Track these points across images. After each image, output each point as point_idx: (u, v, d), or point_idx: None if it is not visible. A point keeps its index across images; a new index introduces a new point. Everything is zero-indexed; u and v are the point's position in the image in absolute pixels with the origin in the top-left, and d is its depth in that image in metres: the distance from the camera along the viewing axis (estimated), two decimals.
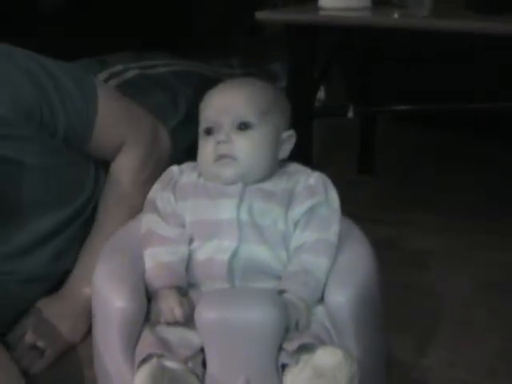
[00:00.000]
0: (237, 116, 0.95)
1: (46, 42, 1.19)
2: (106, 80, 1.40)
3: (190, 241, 0.93)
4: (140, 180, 1.19)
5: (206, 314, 0.82)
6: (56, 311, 1.13)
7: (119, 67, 1.46)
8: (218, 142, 0.95)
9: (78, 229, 1.19)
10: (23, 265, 1.13)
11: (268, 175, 0.97)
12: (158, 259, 0.91)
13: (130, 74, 1.45)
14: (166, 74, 1.50)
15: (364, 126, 1.63)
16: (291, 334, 0.83)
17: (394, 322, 0.99)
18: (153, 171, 1.17)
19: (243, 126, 0.95)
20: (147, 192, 1.12)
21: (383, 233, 1.06)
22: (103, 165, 1.22)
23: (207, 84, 1.49)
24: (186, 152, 1.35)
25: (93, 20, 1.94)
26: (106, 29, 1.87)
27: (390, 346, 1.00)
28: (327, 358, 0.77)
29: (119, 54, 1.54)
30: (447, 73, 1.77)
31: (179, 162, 1.05)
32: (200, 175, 0.98)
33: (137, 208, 1.13)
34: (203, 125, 0.98)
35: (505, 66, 1.70)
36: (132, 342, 0.86)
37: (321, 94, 1.58)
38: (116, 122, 1.19)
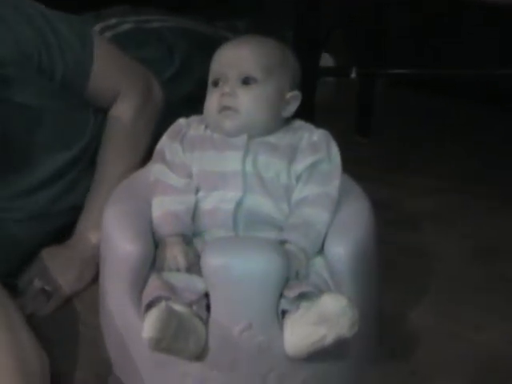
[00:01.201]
0: (242, 70, 0.98)
1: None
2: (100, 32, 1.41)
3: (196, 191, 0.96)
4: (135, 128, 1.22)
5: (211, 260, 0.86)
6: (63, 259, 1.15)
7: (114, 20, 1.47)
8: (223, 94, 0.98)
9: (77, 173, 1.22)
10: (23, 205, 1.16)
11: (272, 130, 1.00)
12: (165, 207, 0.95)
13: (125, 26, 1.46)
14: (162, 29, 1.51)
15: (364, 88, 1.65)
16: (291, 282, 0.87)
17: (385, 278, 1.02)
18: (147, 120, 1.22)
19: (248, 81, 0.98)
20: (143, 141, 1.20)
21: (378, 193, 1.08)
22: (102, 112, 1.24)
23: (204, 40, 1.54)
24: (183, 103, 1.39)
25: None
26: None
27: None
28: (332, 303, 0.81)
29: (114, 8, 1.55)
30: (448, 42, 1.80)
31: (176, 112, 1.08)
32: (207, 127, 1.01)
33: (135, 155, 1.21)
34: (211, 77, 1.01)
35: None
36: (139, 285, 0.89)
37: (328, 58, 1.63)
38: (111, 71, 1.22)
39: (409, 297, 1.14)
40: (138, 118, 1.23)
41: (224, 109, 0.98)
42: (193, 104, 1.10)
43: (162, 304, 0.82)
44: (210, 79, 1.01)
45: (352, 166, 1.02)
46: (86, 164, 1.24)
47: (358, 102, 1.67)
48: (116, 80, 1.23)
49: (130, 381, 0.94)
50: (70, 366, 0.98)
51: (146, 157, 1.17)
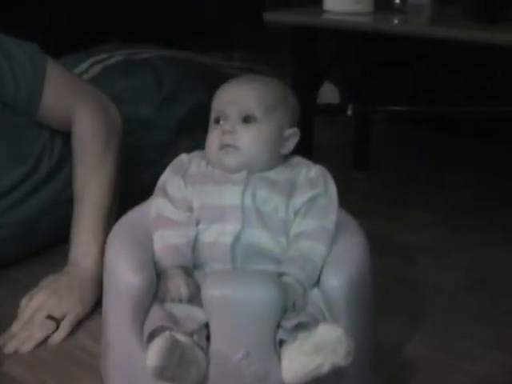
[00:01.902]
0: (243, 109, 1.02)
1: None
2: (90, 66, 1.47)
3: (197, 223, 0.99)
4: (95, 146, 1.25)
5: (211, 291, 0.89)
6: (63, 286, 1.17)
7: (103, 55, 1.52)
8: (224, 132, 1.02)
9: (31, 186, 1.27)
10: None
11: (271, 166, 1.03)
12: (166, 241, 0.98)
13: (114, 59, 1.52)
14: (151, 58, 1.56)
15: (360, 125, 1.69)
16: (289, 313, 0.90)
17: (381, 309, 1.05)
18: (107, 138, 1.25)
19: (248, 119, 1.02)
20: (109, 157, 1.24)
21: (375, 227, 1.12)
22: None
23: (195, 67, 1.58)
24: (173, 128, 1.43)
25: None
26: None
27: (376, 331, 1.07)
28: (328, 333, 0.84)
29: (105, 46, 1.61)
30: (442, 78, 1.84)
31: (167, 137, 1.12)
32: (208, 164, 1.05)
33: (104, 172, 1.24)
34: (213, 114, 1.05)
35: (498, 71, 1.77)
36: (141, 316, 0.92)
37: (335, 94, 1.67)
38: (63, 93, 1.26)
39: (404, 328, 1.17)
40: (95, 136, 1.26)
41: (224, 146, 1.02)
42: (183, 129, 1.15)
43: (166, 333, 0.84)
44: (212, 117, 1.05)
45: (349, 200, 1.05)
46: (41, 177, 1.29)
47: (356, 137, 1.71)
48: (68, 101, 1.26)
49: None
50: None
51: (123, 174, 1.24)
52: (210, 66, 1.61)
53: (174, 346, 0.83)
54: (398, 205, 1.61)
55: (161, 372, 0.83)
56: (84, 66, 1.46)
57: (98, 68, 1.46)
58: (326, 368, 0.84)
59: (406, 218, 1.56)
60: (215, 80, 1.22)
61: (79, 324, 1.16)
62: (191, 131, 1.27)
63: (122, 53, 1.54)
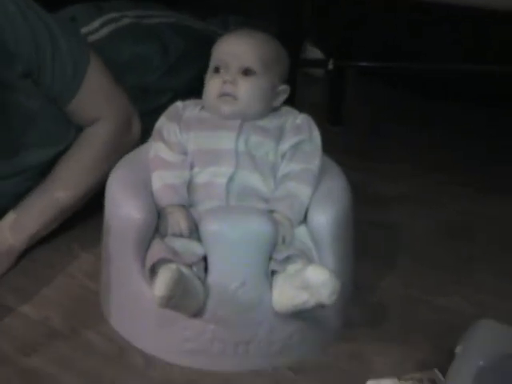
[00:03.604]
0: (243, 62, 1.08)
1: None
2: (101, 26, 1.47)
3: (191, 167, 1.06)
4: (102, 153, 1.26)
5: (210, 226, 0.97)
6: None
7: (114, 14, 1.52)
8: (224, 82, 1.08)
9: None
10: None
11: (263, 116, 1.10)
12: (164, 181, 1.05)
13: (125, 21, 1.51)
14: (160, 25, 1.57)
15: (336, 80, 1.76)
16: (279, 247, 0.98)
17: (357, 252, 1.12)
18: (117, 152, 1.21)
19: (247, 72, 1.08)
20: (99, 172, 1.22)
21: (350, 177, 1.19)
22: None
23: (198, 38, 1.61)
24: (175, 98, 1.47)
25: None
26: None
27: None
28: (316, 275, 0.91)
29: (115, 2, 1.61)
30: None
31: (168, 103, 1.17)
32: (201, 109, 1.11)
33: (88, 181, 1.23)
34: (213, 63, 1.11)
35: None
36: (143, 250, 0.99)
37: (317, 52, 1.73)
38: (97, 96, 1.26)
39: (378, 268, 1.24)
40: (108, 146, 1.27)
41: (224, 94, 1.08)
42: (185, 94, 1.19)
43: (173, 265, 0.91)
44: (212, 65, 1.11)
45: (323, 152, 1.12)
46: None
47: (331, 93, 1.78)
48: (99, 105, 1.27)
49: (134, 338, 1.04)
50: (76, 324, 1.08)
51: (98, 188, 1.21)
52: (210, 33, 1.65)
53: (180, 276, 0.90)
54: (371, 158, 1.67)
55: (167, 301, 0.89)
56: (96, 24, 1.45)
57: (108, 29, 1.46)
58: (310, 304, 0.92)
59: (379, 170, 1.62)
60: None
61: (78, 265, 1.23)
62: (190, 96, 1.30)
63: (131, 14, 1.55)
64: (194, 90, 1.16)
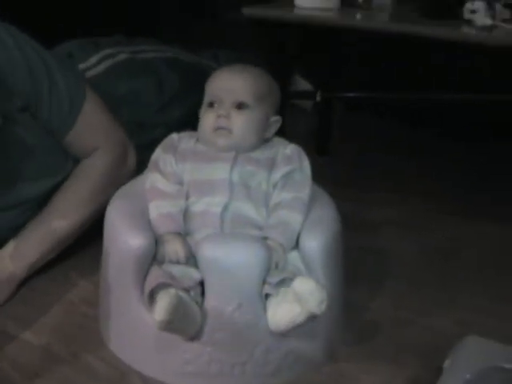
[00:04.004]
0: (237, 96, 1.13)
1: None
2: (98, 62, 1.51)
3: (187, 196, 1.11)
4: (99, 184, 1.29)
5: (207, 252, 1.01)
6: None
7: (110, 50, 1.56)
8: (219, 116, 1.13)
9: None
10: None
11: (256, 147, 1.15)
12: (160, 210, 1.09)
13: (121, 57, 1.56)
14: (155, 60, 1.61)
15: (323, 112, 1.82)
16: (272, 271, 1.03)
17: (348, 276, 1.16)
18: (113, 184, 1.24)
19: (241, 106, 1.13)
20: (96, 203, 1.26)
21: (339, 206, 1.24)
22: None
23: (192, 71, 1.65)
24: (170, 131, 1.51)
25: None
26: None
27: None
28: (302, 285, 0.97)
29: (110, 38, 1.65)
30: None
31: (161, 137, 1.21)
32: (197, 142, 1.16)
33: (86, 212, 1.27)
34: (207, 98, 1.16)
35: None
36: (142, 277, 1.03)
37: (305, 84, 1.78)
38: (93, 130, 1.30)
39: (369, 292, 1.29)
40: (105, 178, 1.30)
41: (219, 128, 1.13)
42: (177, 129, 1.23)
43: (172, 290, 0.95)
44: (206, 100, 1.16)
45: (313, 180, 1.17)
46: None
47: (319, 124, 1.84)
48: (96, 138, 1.30)
49: (133, 362, 1.07)
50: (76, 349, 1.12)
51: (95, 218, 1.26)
52: (203, 67, 1.68)
53: (179, 301, 0.94)
54: (359, 187, 1.74)
55: (167, 325, 0.94)
56: (93, 60, 1.49)
57: (105, 65, 1.50)
58: (302, 316, 0.96)
59: (368, 199, 1.68)
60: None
61: (77, 293, 1.26)
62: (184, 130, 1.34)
63: (127, 50, 1.58)
64: (187, 124, 1.20)
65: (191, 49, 1.75)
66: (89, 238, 1.32)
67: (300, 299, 0.96)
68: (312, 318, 0.97)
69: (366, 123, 2.12)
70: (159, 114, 1.54)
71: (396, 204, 1.66)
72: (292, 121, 1.66)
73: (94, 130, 1.30)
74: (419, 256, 1.44)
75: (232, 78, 1.16)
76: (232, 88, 1.14)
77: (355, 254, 1.29)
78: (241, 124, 1.13)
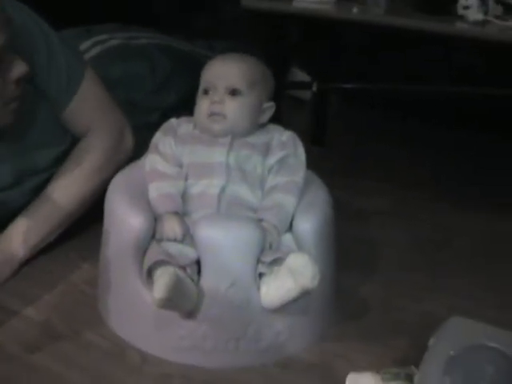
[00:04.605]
0: (230, 83, 1.17)
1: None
2: (91, 47, 1.54)
3: (186, 178, 1.14)
4: (99, 162, 1.31)
5: (203, 232, 1.05)
6: None
7: (104, 36, 1.60)
8: (213, 102, 1.17)
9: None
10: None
11: (251, 132, 1.19)
12: (160, 190, 1.13)
13: (114, 42, 1.59)
14: (147, 46, 1.65)
15: (319, 103, 1.86)
16: (266, 251, 1.06)
17: (340, 260, 1.21)
18: (111, 163, 1.30)
19: (234, 92, 1.17)
20: (98, 180, 1.28)
21: (333, 195, 1.27)
22: None
23: (184, 57, 1.68)
24: (162, 114, 1.53)
25: None
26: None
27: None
28: (296, 259, 1.01)
29: (105, 25, 1.69)
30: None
31: (157, 122, 1.24)
32: (195, 127, 1.20)
33: (85, 190, 1.30)
34: (202, 85, 1.20)
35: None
36: (140, 253, 1.07)
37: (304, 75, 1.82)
38: (91, 107, 1.33)
39: (360, 276, 1.33)
40: (103, 156, 1.32)
41: (213, 114, 1.17)
42: (172, 115, 1.26)
43: (171, 268, 0.99)
44: (201, 88, 1.20)
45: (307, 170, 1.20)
46: None
47: (315, 114, 1.87)
48: (93, 115, 1.32)
49: (131, 338, 1.11)
50: (76, 325, 1.15)
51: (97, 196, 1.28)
52: (196, 55, 1.72)
53: (177, 279, 0.98)
54: (351, 177, 1.76)
55: (166, 303, 0.97)
56: (86, 45, 1.52)
57: (97, 49, 1.53)
58: (295, 291, 1.00)
59: (360, 188, 1.71)
60: (199, 73, 1.34)
61: (77, 272, 1.30)
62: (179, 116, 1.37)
63: (121, 36, 1.62)
64: (182, 109, 1.23)
65: (187, 39, 1.78)
66: (88, 220, 1.36)
67: (293, 274, 1.00)
68: (305, 293, 1.01)
69: (362, 115, 2.15)
70: (153, 97, 1.57)
71: (387, 193, 1.70)
72: (290, 111, 1.70)
73: (91, 107, 1.32)
74: (411, 244, 1.48)
75: (226, 65, 1.20)
76: (225, 75, 1.18)
77: (347, 241, 1.32)
78: (234, 109, 1.17)
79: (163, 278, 0.97)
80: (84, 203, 1.33)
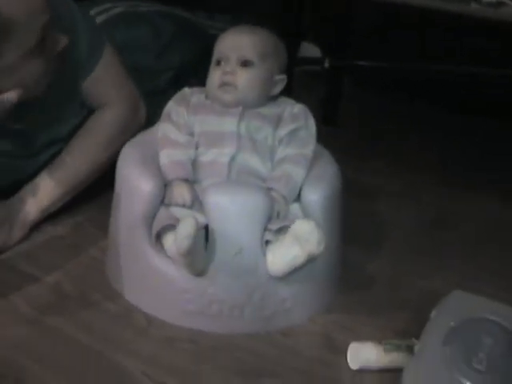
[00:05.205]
0: (242, 54, 1.19)
1: None
2: (95, 15, 1.54)
3: (197, 147, 1.16)
4: (114, 132, 1.33)
5: (212, 197, 1.07)
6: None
7: (107, 5, 1.61)
8: (225, 73, 1.19)
9: None
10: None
11: (262, 104, 1.21)
12: (171, 158, 1.14)
13: (117, 10, 1.60)
14: (149, 12, 1.67)
15: (332, 79, 1.86)
16: (274, 220, 1.08)
17: (347, 236, 1.23)
18: (123, 135, 1.30)
19: (246, 63, 1.19)
20: (111, 149, 1.29)
21: (343, 173, 1.29)
22: None
23: (186, 23, 1.71)
24: (172, 79, 1.55)
25: None
26: None
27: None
28: (302, 225, 1.03)
29: None
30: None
31: (162, 85, 1.24)
32: (207, 97, 1.22)
33: (98, 159, 1.32)
34: (215, 57, 1.21)
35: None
36: (150, 217, 1.09)
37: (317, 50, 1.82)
38: (110, 79, 1.34)
39: (367, 252, 1.34)
40: (117, 128, 1.34)
41: (224, 84, 1.18)
42: (178, 79, 1.28)
43: (191, 217, 0.99)
44: (214, 59, 1.22)
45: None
46: None
47: (327, 93, 1.87)
48: (110, 91, 1.35)
49: (138, 301, 1.13)
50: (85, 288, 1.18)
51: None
52: (198, 25, 1.75)
53: (197, 227, 0.98)
54: (362, 157, 1.77)
55: (187, 253, 0.98)
56: (90, 14, 1.50)
57: (101, 18, 1.55)
58: (302, 258, 1.02)
59: (369, 168, 1.72)
60: (201, 38, 1.35)
61: (85, 236, 1.33)
62: (183, 84, 1.39)
63: (123, 4, 1.64)
64: (186, 76, 1.23)
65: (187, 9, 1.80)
66: (95, 186, 1.37)
67: (299, 240, 1.02)
68: (311, 259, 1.03)
69: (374, 98, 2.15)
70: (157, 61, 1.58)
71: (397, 176, 1.70)
72: (302, 88, 1.71)
73: (111, 79, 1.34)
74: (418, 225, 1.49)
75: (238, 37, 1.22)
76: (238, 46, 1.19)
77: (355, 218, 1.33)
78: (245, 80, 1.18)
79: (186, 222, 0.98)
80: (96, 171, 1.35)
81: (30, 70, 1.11)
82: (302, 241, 1.01)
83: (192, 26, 1.67)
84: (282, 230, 1.06)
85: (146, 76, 1.53)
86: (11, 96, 1.10)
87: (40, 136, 1.31)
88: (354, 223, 1.29)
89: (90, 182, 1.37)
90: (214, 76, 1.20)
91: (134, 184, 1.11)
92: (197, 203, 1.10)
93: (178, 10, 1.76)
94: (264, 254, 1.06)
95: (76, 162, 1.32)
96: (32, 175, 1.31)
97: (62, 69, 1.20)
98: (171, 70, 1.60)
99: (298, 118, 1.20)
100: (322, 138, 1.24)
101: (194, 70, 1.25)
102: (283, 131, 1.18)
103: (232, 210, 1.05)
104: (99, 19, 1.54)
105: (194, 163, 1.15)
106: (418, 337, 1.03)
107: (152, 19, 1.64)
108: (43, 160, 1.33)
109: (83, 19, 1.30)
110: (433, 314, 1.02)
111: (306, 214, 1.12)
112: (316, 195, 1.12)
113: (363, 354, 1.03)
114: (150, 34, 1.61)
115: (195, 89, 1.24)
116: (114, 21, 1.56)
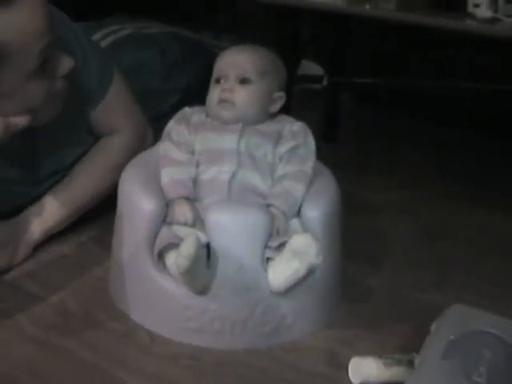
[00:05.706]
0: (241, 72, 1.21)
1: None
2: (102, 37, 1.57)
3: (198, 165, 1.18)
4: (119, 161, 1.33)
5: (213, 216, 1.08)
6: (3, 234, 1.27)
7: (114, 27, 1.64)
8: (223, 90, 1.21)
9: None
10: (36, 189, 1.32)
11: (261, 121, 1.22)
12: (172, 176, 1.16)
13: (125, 32, 1.64)
14: (156, 34, 1.70)
15: (332, 97, 1.88)
16: (274, 237, 1.09)
17: (346, 253, 1.24)
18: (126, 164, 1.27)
19: (244, 81, 1.21)
20: (116, 176, 1.26)
21: (341, 188, 1.30)
22: None
23: (192, 45, 1.73)
24: (178, 101, 1.56)
25: None
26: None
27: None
28: (299, 239, 1.04)
29: (115, 16, 1.74)
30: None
31: (168, 105, 1.25)
32: (207, 116, 1.23)
33: (100, 186, 1.34)
34: (215, 75, 1.24)
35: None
36: (152, 237, 1.10)
37: (318, 68, 1.84)
38: (119, 107, 1.36)
39: (366, 267, 1.35)
40: (123, 156, 1.33)
41: (223, 101, 1.20)
42: (184, 100, 1.29)
43: (193, 237, 1.00)
44: (214, 77, 1.24)
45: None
46: None
47: (327, 110, 1.90)
48: (118, 119, 1.36)
49: (141, 319, 1.14)
50: (88, 307, 1.19)
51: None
52: (203, 45, 1.77)
53: (199, 245, 1.00)
54: (361, 173, 1.79)
55: (186, 273, 1.00)
56: (97, 36, 1.56)
57: (109, 40, 1.57)
58: (302, 271, 1.04)
59: (368, 183, 1.74)
60: (207, 58, 1.37)
61: (88, 256, 1.34)
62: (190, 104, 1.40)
63: (130, 26, 1.67)
64: (194, 94, 1.25)
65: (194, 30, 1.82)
66: (99, 206, 1.39)
67: (298, 254, 1.03)
68: (311, 270, 1.05)
69: (372, 114, 2.17)
70: (164, 83, 1.60)
71: (396, 190, 1.72)
72: (302, 105, 1.73)
73: (120, 107, 1.36)
74: (417, 239, 1.50)
75: (237, 55, 1.24)
76: (237, 64, 1.21)
77: (354, 233, 1.34)
78: (243, 97, 1.20)
79: (188, 240, 0.99)
80: (101, 195, 1.37)
81: (34, 93, 1.12)
82: (300, 254, 1.03)
83: (198, 47, 1.69)
84: (282, 246, 1.07)
85: (152, 98, 1.56)
86: (19, 121, 1.12)
87: (45, 164, 1.32)
88: (353, 238, 1.30)
89: (95, 206, 1.39)
90: (213, 93, 1.22)
91: (136, 203, 1.13)
92: (198, 221, 1.11)
93: (183, 30, 1.79)
94: (265, 271, 1.07)
95: (82, 185, 1.34)
96: (34, 201, 1.33)
97: (70, 95, 1.22)
98: (177, 91, 1.62)
99: (297, 136, 1.22)
100: (321, 155, 1.25)
101: (199, 92, 1.27)
102: (283, 148, 1.20)
103: (233, 229, 1.07)
104: (107, 41, 1.57)
105: (195, 181, 1.17)
106: (418, 351, 1.03)
107: (159, 41, 1.67)
108: (46, 187, 1.34)
109: (92, 47, 1.32)
110: (433, 327, 1.03)
111: (306, 230, 1.13)
112: (315, 212, 1.14)
113: (364, 369, 1.04)
114: (158, 55, 1.63)
115: (196, 108, 1.26)
116: (122, 42, 1.58)
